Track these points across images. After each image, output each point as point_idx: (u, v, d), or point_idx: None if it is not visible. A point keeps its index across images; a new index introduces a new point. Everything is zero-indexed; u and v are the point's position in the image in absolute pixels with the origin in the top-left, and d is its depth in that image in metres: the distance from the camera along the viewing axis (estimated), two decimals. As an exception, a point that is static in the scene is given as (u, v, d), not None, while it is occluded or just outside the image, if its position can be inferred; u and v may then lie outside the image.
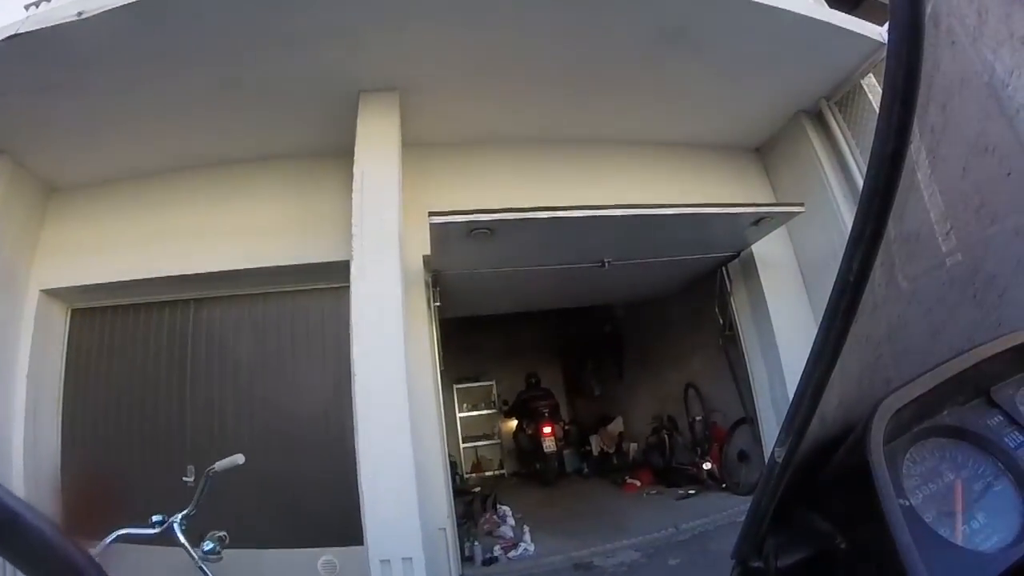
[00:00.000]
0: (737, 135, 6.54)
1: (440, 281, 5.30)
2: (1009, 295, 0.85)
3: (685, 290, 7.31)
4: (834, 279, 0.58)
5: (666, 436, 7.65)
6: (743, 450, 6.40)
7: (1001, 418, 0.80)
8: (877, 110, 0.56)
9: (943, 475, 0.76)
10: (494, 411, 11.83)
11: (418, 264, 5.07)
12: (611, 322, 10.29)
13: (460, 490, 9.24)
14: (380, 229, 4.35)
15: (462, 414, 11.80)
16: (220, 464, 2.75)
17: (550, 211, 4.25)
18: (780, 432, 0.68)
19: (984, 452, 0.78)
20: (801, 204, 5.37)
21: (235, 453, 2.88)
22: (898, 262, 0.69)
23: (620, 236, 5.01)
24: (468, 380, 11.99)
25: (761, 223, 5.32)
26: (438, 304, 5.26)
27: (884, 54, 0.78)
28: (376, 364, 3.97)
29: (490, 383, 12.03)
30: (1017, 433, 0.78)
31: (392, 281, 4.19)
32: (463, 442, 11.61)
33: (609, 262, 5.37)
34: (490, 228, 4.33)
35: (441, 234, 4.38)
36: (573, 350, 12.31)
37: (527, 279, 5.78)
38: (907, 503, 0.69)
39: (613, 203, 4.49)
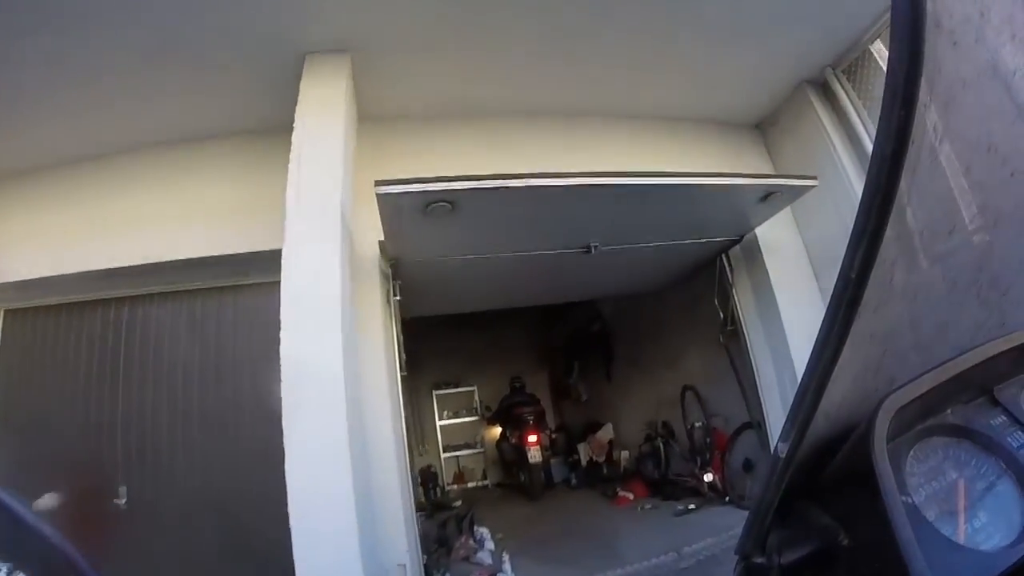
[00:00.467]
0: (734, 109, 5.80)
1: (400, 271, 4.50)
2: (1012, 295, 0.84)
3: (681, 282, 6.51)
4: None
5: (661, 444, 6.84)
6: (748, 459, 5.64)
7: (1004, 418, 0.80)
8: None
9: (946, 474, 0.76)
10: (476, 418, 11.05)
11: (373, 251, 4.27)
12: (599, 321, 9.49)
13: (439, 504, 8.54)
14: (320, 205, 3.57)
15: (442, 422, 11.09)
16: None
17: (521, 179, 3.47)
18: (783, 428, 0.68)
19: (987, 451, 0.78)
20: (814, 177, 4.64)
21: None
22: (901, 261, 0.69)
23: (609, 215, 4.24)
24: (448, 385, 11.25)
25: (769, 199, 4.57)
26: (398, 298, 4.45)
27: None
28: (308, 371, 3.17)
29: (472, 388, 11.26)
30: (1020, 433, 0.79)
31: (332, 267, 3.38)
32: (444, 452, 10.88)
33: (597, 247, 4.58)
34: (450, 201, 3.52)
35: (392, 209, 3.57)
36: (559, 352, 11.53)
37: (503, 269, 4.98)
38: (910, 501, 0.70)
39: (598, 171, 3.71)
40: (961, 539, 0.70)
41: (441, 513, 8.23)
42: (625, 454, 8.19)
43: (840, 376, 0.65)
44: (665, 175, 3.87)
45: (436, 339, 10.78)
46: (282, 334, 3.27)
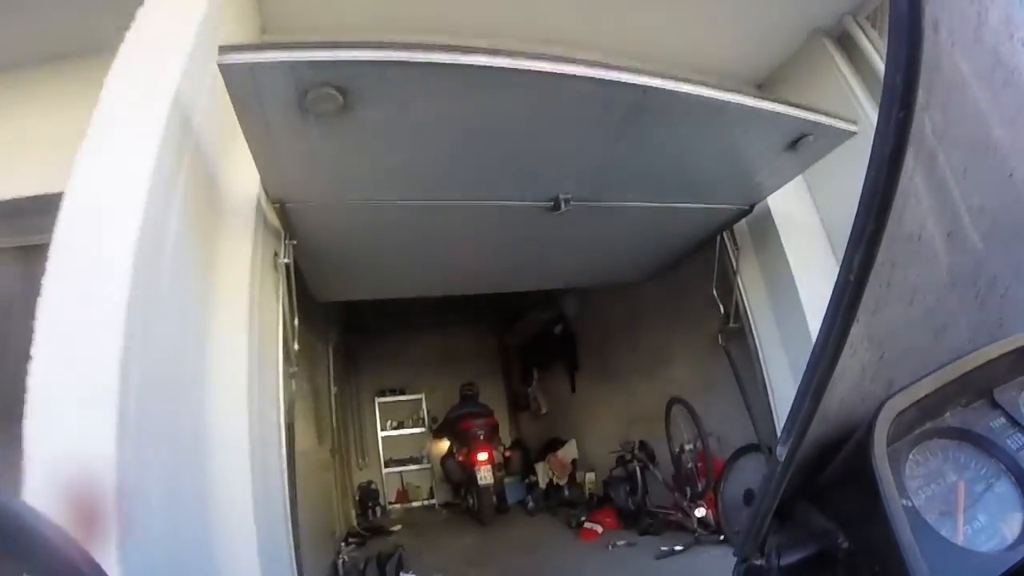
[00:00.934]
0: (733, 64, 4.49)
1: (296, 226, 3.05)
2: (1011, 296, 0.81)
3: (667, 269, 5.16)
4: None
5: (637, 469, 5.43)
6: (751, 490, 4.29)
7: (1004, 420, 0.78)
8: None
9: (946, 476, 0.75)
10: (424, 430, 9.57)
11: (249, 191, 2.83)
12: (562, 322, 8.06)
13: (375, 528, 7.13)
14: (146, 84, 2.17)
15: (385, 433, 9.57)
16: None
17: (452, 54, 2.00)
18: (782, 431, 0.67)
19: (986, 454, 0.76)
20: (853, 122, 3.37)
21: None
22: (899, 263, 0.67)
23: (585, 148, 2.82)
24: (393, 392, 9.74)
25: (800, 146, 3.25)
26: (287, 261, 3.01)
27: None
28: (69, 361, 1.72)
29: (419, 396, 9.74)
30: (1019, 435, 0.77)
31: (133, 192, 1.93)
32: (385, 466, 9.39)
33: (568, 201, 3.18)
34: (341, 88, 2.04)
35: (251, 99, 2.10)
36: (516, 357, 10.14)
37: (441, 230, 3.49)
38: (909, 503, 0.69)
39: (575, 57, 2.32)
40: (960, 541, 0.68)
41: (377, 539, 6.80)
42: (591, 476, 6.82)
43: (839, 379, 0.63)
44: (676, 79, 2.52)
45: (381, 341, 9.57)
46: (42, 299, 1.82)
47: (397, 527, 7.40)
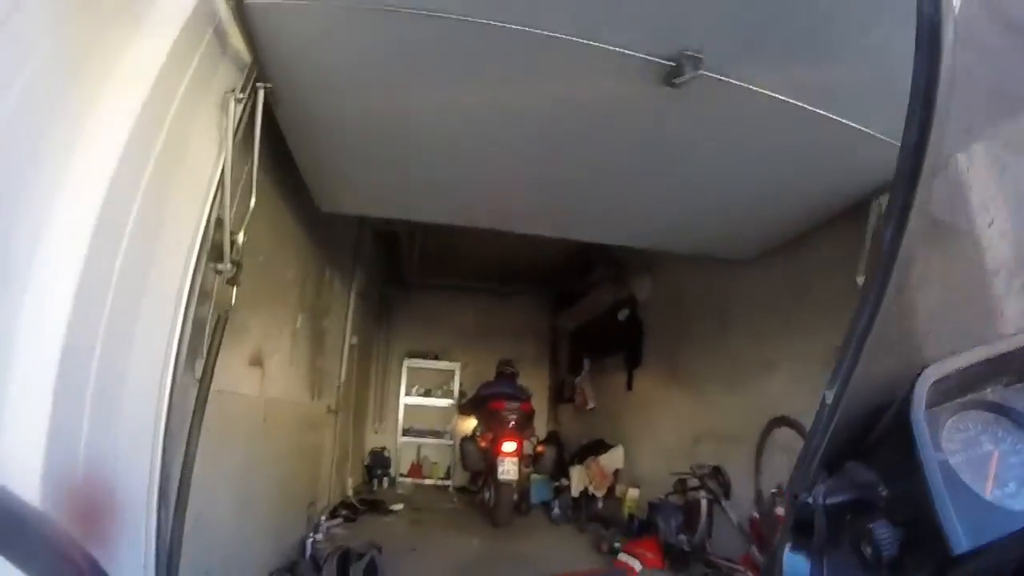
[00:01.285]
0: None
1: (270, 55, 1.96)
2: None
3: (782, 248, 3.89)
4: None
5: (704, 500, 4.17)
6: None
7: None
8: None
9: (982, 445, 0.75)
10: (452, 403, 8.64)
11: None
12: (630, 305, 6.74)
13: (374, 503, 6.19)
14: None
15: (408, 399, 8.67)
16: None
17: None
18: (830, 378, 0.72)
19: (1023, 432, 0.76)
20: None
21: None
22: (941, 246, 0.72)
23: None
24: (426, 357, 8.83)
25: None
26: (242, 96, 1.92)
27: None
28: None
29: (454, 366, 8.78)
30: None
31: None
32: (402, 435, 8.51)
33: (697, 62, 1.91)
34: None
35: None
36: (568, 340, 8.97)
37: (494, 92, 2.31)
38: (944, 458, 0.71)
39: None
40: (990, 498, 0.69)
41: (372, 516, 5.83)
42: (634, 493, 5.57)
43: (884, 347, 0.68)
44: None
45: (422, 298, 8.75)
46: None
47: (399, 506, 6.41)
